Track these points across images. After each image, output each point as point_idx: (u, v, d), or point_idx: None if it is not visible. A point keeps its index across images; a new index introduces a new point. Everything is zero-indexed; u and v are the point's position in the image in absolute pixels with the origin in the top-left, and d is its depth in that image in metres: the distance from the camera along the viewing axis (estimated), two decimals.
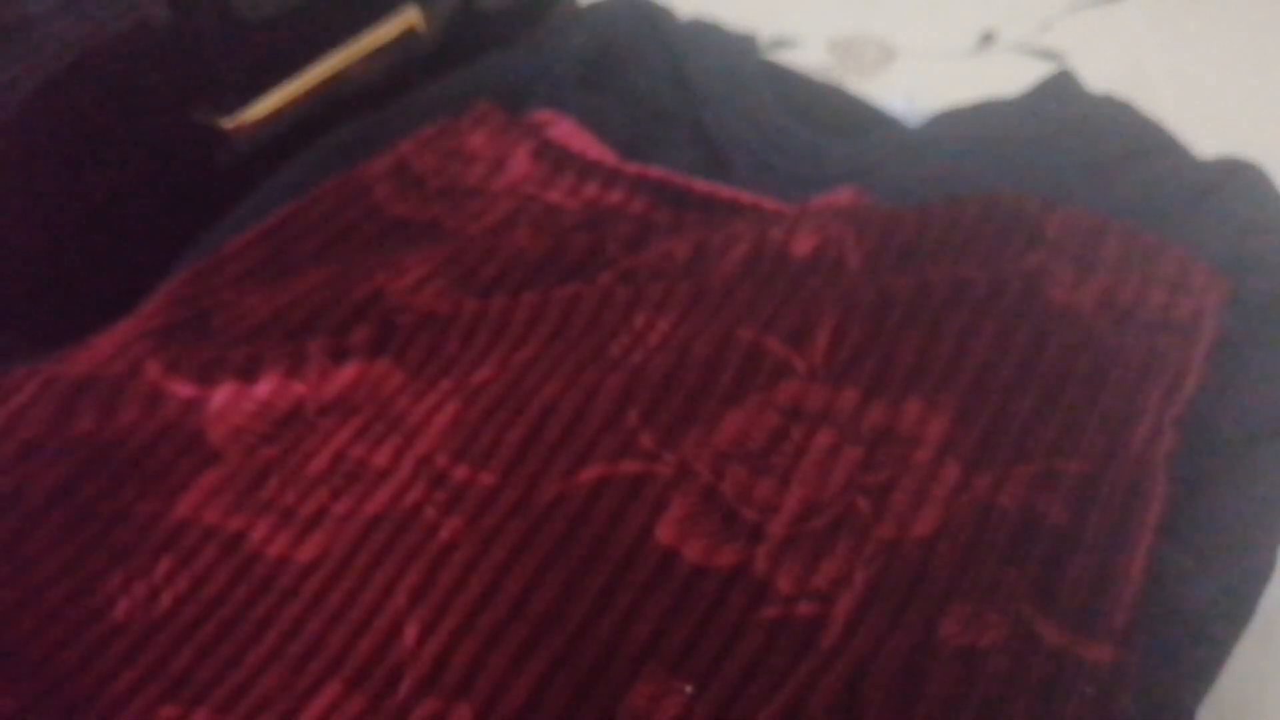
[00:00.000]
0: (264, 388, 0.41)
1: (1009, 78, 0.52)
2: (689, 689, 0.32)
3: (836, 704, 0.31)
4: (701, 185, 0.48)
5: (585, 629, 0.33)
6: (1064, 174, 0.47)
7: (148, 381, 0.41)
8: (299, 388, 0.41)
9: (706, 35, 0.55)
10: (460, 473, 0.37)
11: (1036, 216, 0.44)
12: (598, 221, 0.47)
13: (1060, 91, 0.50)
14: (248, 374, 0.41)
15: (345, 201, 0.48)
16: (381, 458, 0.38)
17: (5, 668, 0.34)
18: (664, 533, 0.35)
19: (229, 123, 0.49)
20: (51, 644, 0.35)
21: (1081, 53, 0.61)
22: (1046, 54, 0.62)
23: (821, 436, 0.37)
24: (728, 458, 0.37)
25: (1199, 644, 0.34)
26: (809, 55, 0.64)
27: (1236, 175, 0.46)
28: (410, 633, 0.34)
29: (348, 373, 0.41)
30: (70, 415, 0.40)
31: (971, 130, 0.50)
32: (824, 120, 0.52)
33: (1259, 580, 0.36)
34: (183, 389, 0.41)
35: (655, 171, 0.49)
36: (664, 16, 0.57)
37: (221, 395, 0.41)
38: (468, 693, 0.32)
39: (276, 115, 0.50)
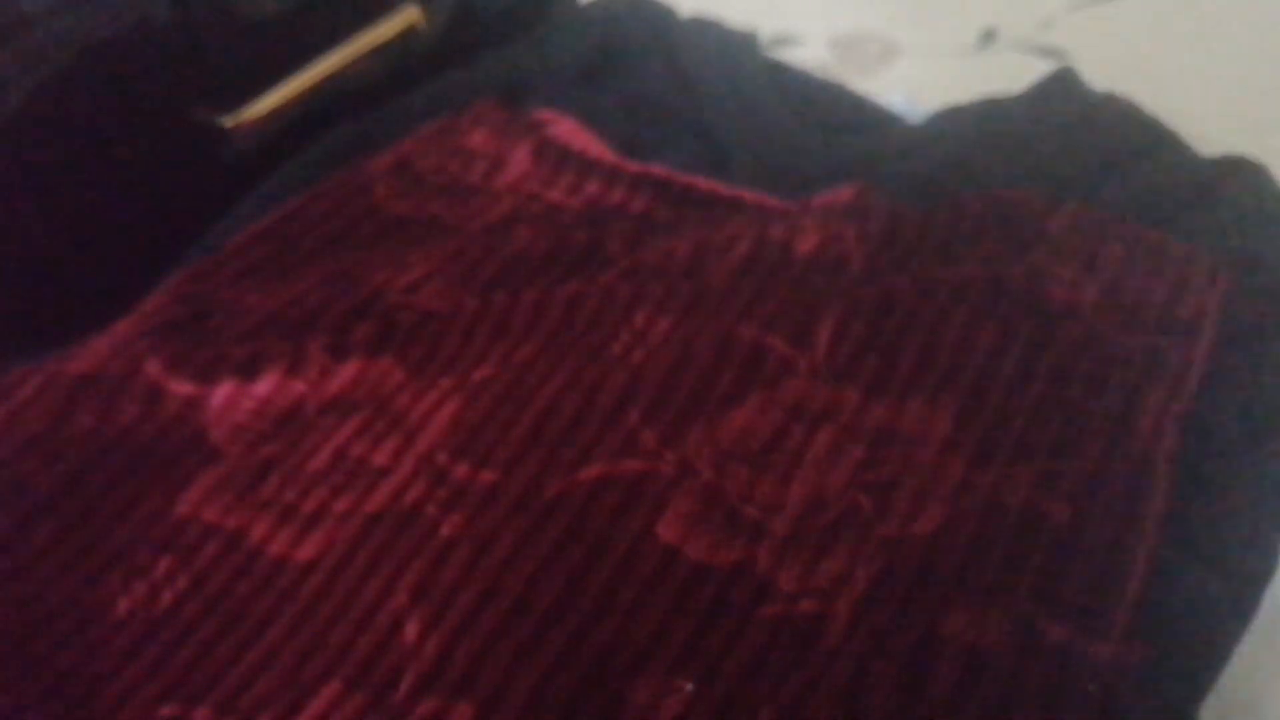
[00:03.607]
0: (264, 386, 0.41)
1: (1010, 76, 0.52)
2: (690, 687, 0.32)
3: (838, 702, 0.31)
4: (703, 183, 0.48)
5: (587, 627, 0.33)
6: (1065, 172, 0.47)
7: (148, 380, 0.41)
8: (299, 386, 0.41)
9: (707, 33, 0.55)
10: (461, 470, 0.37)
11: (1038, 215, 0.44)
12: (599, 220, 0.47)
13: (1062, 89, 0.50)
14: (248, 372, 0.41)
15: (345, 199, 0.48)
16: (382, 455, 0.38)
17: (5, 666, 0.34)
18: (666, 531, 0.35)
19: (229, 122, 0.49)
20: (51, 642, 0.35)
21: (1083, 50, 0.61)
22: (1048, 52, 0.62)
23: (823, 435, 0.37)
24: (729, 456, 0.37)
25: (1201, 642, 0.34)
26: (810, 53, 0.64)
27: (1238, 173, 0.46)
28: (411, 631, 0.34)
29: (348, 371, 0.41)
30: (70, 414, 0.40)
31: (973, 128, 0.49)
32: (825, 118, 0.52)
33: (1261, 579, 0.36)
34: (183, 387, 0.41)
35: (656, 170, 0.49)
36: (664, 15, 0.56)
37: (222, 393, 0.41)
38: (469, 691, 0.32)
39: (276, 114, 0.50)
